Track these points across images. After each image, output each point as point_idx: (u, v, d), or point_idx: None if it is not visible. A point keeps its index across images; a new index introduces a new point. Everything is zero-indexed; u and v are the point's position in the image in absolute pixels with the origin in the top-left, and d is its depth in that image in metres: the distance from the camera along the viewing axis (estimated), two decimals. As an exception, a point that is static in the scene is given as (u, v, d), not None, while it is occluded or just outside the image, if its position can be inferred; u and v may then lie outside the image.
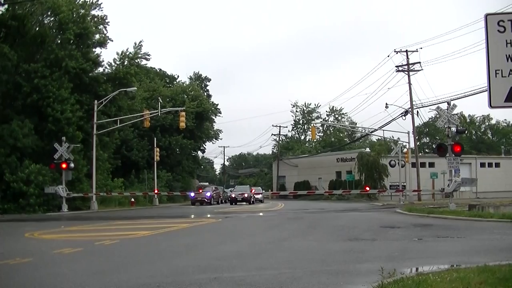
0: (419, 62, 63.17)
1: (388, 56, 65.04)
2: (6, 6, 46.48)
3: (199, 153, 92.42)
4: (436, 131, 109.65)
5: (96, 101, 49.20)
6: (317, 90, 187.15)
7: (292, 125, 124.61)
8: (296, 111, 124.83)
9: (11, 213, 41.16)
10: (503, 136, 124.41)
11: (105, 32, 52.37)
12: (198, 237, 20.49)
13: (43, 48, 47.75)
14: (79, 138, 47.52)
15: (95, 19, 51.28)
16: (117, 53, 54.70)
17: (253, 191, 68.04)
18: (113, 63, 54.64)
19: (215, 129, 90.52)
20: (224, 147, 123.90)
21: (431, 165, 75.20)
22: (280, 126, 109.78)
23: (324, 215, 35.46)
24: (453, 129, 36.39)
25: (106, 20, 52.06)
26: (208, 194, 62.86)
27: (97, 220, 32.55)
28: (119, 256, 14.81)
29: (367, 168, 72.96)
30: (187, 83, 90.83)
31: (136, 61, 56.06)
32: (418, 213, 33.40)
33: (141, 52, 56.03)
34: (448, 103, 37.15)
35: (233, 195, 64.06)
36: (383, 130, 68.11)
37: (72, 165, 44.97)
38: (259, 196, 69.81)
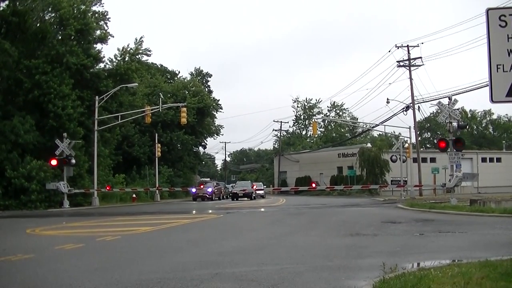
0: (420, 57, 63.23)
1: (389, 51, 65.07)
2: (7, 2, 46.58)
3: (201, 148, 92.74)
4: (438, 126, 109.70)
5: (97, 97, 49.30)
6: (318, 85, 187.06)
7: (293, 120, 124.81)
8: (297, 106, 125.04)
9: (12, 209, 41.23)
10: (505, 131, 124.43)
11: (106, 28, 52.59)
12: (200, 233, 20.50)
13: (44, 44, 47.79)
14: (80, 134, 47.60)
15: (96, 15, 51.41)
16: (118, 49, 54.86)
17: (254, 186, 68.10)
18: (114, 59, 54.78)
19: (216, 124, 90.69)
20: (225, 142, 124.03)
21: (433, 160, 75.15)
22: (281, 122, 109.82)
23: (326, 211, 35.48)
24: (454, 124, 36.35)
25: (107, 16, 52.32)
26: (210, 190, 62.93)
27: (98, 216, 32.60)
28: (120, 252, 14.82)
29: (369, 164, 72.94)
30: (188, 78, 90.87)
31: (137, 57, 56.13)
32: (419, 208, 33.40)
33: (142, 48, 56.13)
34: (449, 98, 37.12)
35: (235, 191, 64.14)
36: (385, 125, 68.09)
37: (73, 161, 45.02)
38: (260, 192, 69.90)
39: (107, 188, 51.13)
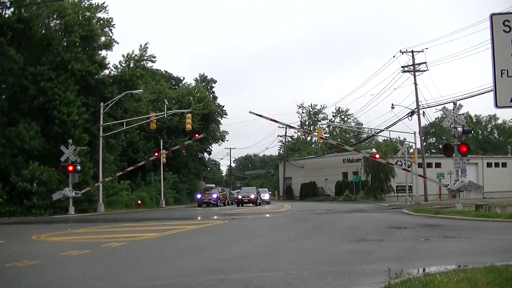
0: (425, 62, 63.19)
1: (394, 56, 65.01)
2: (12, 9, 46.69)
3: (206, 154, 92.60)
4: (443, 131, 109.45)
5: (102, 104, 49.38)
6: (323, 91, 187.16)
7: (298, 126, 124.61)
8: (302, 112, 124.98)
9: (18, 215, 41.27)
10: (510, 136, 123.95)
11: (110, 34, 52.73)
12: (205, 239, 20.50)
13: (49, 50, 47.92)
14: (86, 141, 47.67)
15: (101, 21, 51.51)
16: (123, 56, 55.03)
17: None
18: (118, 66, 55.00)
19: (221, 130, 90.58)
20: (230, 148, 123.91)
21: (438, 165, 75.04)
22: (286, 127, 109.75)
23: (331, 216, 35.42)
24: (459, 129, 36.31)
25: (112, 23, 52.40)
26: (215, 195, 62.94)
27: (104, 222, 32.65)
28: (126, 258, 14.84)
29: (374, 169, 72.76)
30: (193, 85, 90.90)
31: (142, 63, 56.31)
32: (424, 214, 33.37)
33: (146, 54, 56.37)
34: (454, 103, 37.12)
35: (240, 197, 64.09)
36: (389, 131, 68.08)
37: (78, 167, 45.07)
38: (265, 198, 69.87)
39: (112, 177, 51.05)
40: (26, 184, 42.10)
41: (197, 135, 56.05)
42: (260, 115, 46.60)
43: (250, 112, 47.34)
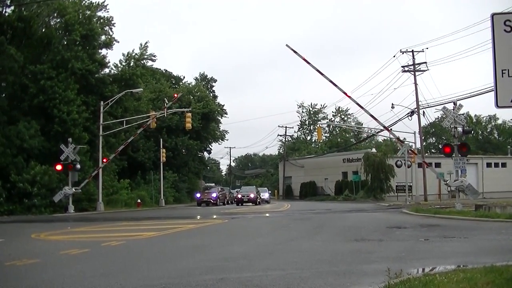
0: (425, 62, 63.09)
1: (394, 56, 64.90)
2: (12, 7, 46.67)
3: (205, 154, 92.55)
4: (443, 131, 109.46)
5: (102, 102, 49.38)
6: (323, 90, 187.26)
7: (298, 125, 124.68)
8: (302, 111, 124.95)
9: (17, 214, 41.23)
10: (510, 136, 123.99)
11: (111, 33, 52.78)
12: (205, 238, 20.48)
13: (49, 49, 47.94)
14: (85, 139, 47.65)
15: (101, 20, 51.53)
16: (123, 54, 55.07)
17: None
18: (119, 64, 55.02)
19: (221, 130, 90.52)
20: (230, 148, 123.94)
21: (438, 165, 74.81)
22: (286, 127, 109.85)
23: (331, 216, 35.40)
24: (459, 129, 36.29)
25: (112, 22, 52.43)
26: (214, 195, 62.92)
27: (103, 221, 32.59)
28: (125, 257, 14.83)
29: (374, 169, 72.75)
30: (193, 84, 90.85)
31: (142, 62, 56.31)
32: (424, 214, 33.36)
33: (147, 53, 56.38)
34: (454, 103, 37.09)
35: (239, 196, 64.08)
36: (390, 130, 67.83)
37: (78, 166, 45.00)
38: (265, 197, 69.86)
39: (104, 160, 50.11)
40: (27, 185, 42.10)
41: (175, 95, 55.46)
42: (295, 51, 44.99)
43: (286, 45, 45.69)
